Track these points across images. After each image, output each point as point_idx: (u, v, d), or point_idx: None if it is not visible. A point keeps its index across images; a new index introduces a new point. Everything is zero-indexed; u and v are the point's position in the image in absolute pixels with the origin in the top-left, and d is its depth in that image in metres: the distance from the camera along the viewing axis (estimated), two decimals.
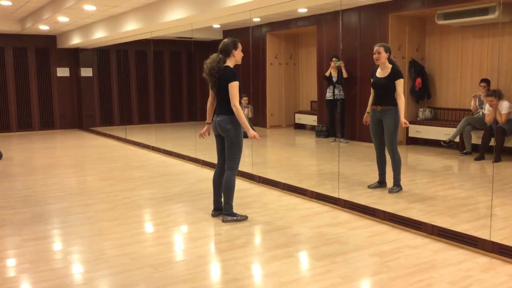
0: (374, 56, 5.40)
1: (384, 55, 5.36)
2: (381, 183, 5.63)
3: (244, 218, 4.58)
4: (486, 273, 3.32)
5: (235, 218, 4.54)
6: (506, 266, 3.43)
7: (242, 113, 4.39)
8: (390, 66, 5.39)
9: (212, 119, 4.64)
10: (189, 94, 14.60)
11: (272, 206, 5.11)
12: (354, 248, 3.80)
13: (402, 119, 5.24)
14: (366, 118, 5.66)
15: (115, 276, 3.34)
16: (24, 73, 12.69)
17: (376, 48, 5.40)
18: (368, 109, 5.61)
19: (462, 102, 8.56)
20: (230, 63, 4.51)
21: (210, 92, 4.62)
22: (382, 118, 5.38)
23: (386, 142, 5.42)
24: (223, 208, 4.59)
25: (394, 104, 5.30)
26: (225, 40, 4.52)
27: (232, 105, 4.36)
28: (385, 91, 5.36)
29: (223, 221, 4.53)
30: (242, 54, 4.59)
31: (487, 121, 7.32)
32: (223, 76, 4.41)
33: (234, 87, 4.38)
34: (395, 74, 5.31)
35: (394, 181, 5.46)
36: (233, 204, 4.59)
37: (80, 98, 13.38)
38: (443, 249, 3.77)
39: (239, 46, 4.54)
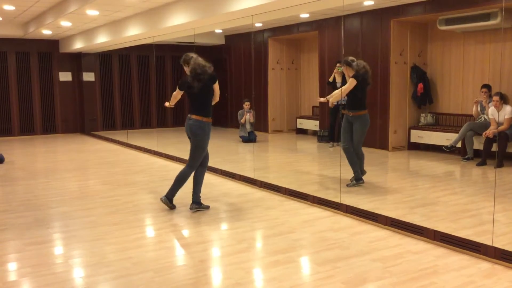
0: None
1: (346, 69, 5.92)
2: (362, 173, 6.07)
3: (172, 208, 5.11)
4: (489, 278, 3.31)
5: (170, 205, 5.09)
6: (508, 272, 3.42)
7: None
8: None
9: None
10: None
11: (274, 211, 5.11)
12: (356, 253, 3.79)
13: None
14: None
15: (116, 280, 3.34)
16: (26, 78, 12.73)
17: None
18: None
19: (464, 108, 8.55)
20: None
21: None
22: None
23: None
24: (168, 192, 5.06)
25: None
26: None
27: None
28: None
29: (161, 199, 5.09)
30: None
31: (488, 134, 7.22)
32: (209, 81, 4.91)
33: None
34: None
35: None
36: (202, 197, 5.14)
37: (82, 103, 13.41)
38: (445, 255, 3.76)
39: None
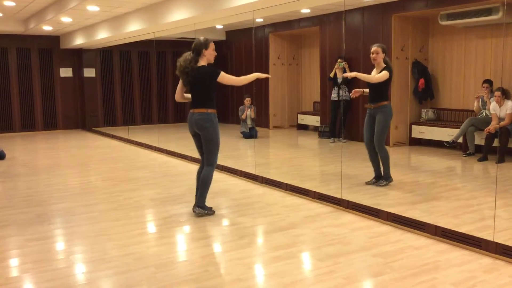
0: (372, 56, 5.63)
1: (381, 56, 5.60)
2: (378, 178, 5.87)
3: (212, 213, 4.76)
4: (490, 274, 3.31)
5: (206, 211, 4.73)
6: (509, 267, 3.42)
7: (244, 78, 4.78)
8: (384, 65, 5.61)
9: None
10: None
11: (275, 207, 5.11)
12: (357, 249, 3.79)
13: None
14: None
15: (117, 276, 3.34)
16: (27, 74, 12.73)
17: (374, 48, 5.61)
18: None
19: (466, 103, 8.54)
20: (203, 62, 4.63)
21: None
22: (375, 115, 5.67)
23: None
24: (197, 199, 4.75)
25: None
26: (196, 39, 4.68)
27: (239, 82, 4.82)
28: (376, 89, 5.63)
29: (194, 211, 4.74)
30: (215, 53, 4.70)
31: (490, 130, 7.21)
32: (199, 75, 4.57)
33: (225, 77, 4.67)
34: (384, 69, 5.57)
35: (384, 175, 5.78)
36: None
37: (83, 99, 13.40)
38: (447, 250, 3.76)
39: (211, 45, 4.65)
